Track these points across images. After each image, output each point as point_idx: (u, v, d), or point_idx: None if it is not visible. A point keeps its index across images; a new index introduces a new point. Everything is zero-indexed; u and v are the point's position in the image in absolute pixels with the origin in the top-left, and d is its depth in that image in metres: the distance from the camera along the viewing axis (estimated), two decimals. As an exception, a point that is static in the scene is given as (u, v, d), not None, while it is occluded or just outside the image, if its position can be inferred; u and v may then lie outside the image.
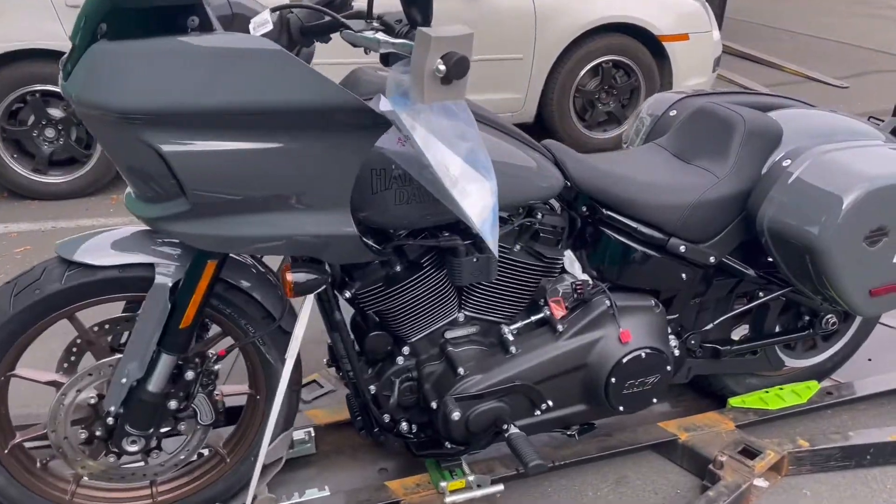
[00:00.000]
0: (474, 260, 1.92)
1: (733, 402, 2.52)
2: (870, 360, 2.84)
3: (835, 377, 2.75)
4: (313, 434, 2.35)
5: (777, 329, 2.47)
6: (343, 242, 1.68)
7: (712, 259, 2.19)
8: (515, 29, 4.69)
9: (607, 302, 2.11)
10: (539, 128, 5.08)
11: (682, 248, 2.15)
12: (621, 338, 2.08)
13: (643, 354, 2.09)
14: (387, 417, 2.07)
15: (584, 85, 5.02)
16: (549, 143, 2.13)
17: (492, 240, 1.58)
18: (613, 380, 2.09)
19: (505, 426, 2.00)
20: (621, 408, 2.14)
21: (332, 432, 2.43)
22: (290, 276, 1.72)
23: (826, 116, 2.38)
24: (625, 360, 2.08)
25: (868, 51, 8.22)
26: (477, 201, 1.58)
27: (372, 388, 2.03)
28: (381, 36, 1.55)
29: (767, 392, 2.56)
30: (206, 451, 2.09)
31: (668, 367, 2.14)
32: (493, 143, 1.86)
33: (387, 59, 1.58)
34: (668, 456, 2.41)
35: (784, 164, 2.11)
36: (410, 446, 2.12)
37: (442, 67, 1.40)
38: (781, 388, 2.57)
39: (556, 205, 2.14)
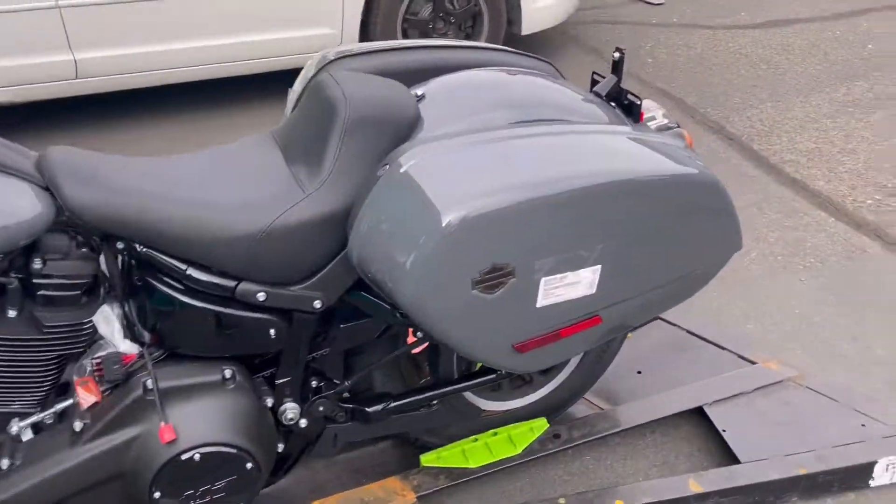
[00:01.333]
0: None
1: (425, 459, 1.92)
2: (639, 372, 2.23)
3: (593, 400, 2.15)
4: None
5: (460, 373, 1.84)
6: None
7: (318, 304, 1.55)
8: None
9: (148, 383, 1.48)
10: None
11: (262, 297, 1.50)
12: (161, 435, 1.45)
13: (198, 456, 1.47)
14: None
15: (414, 13, 4.20)
16: (54, 151, 1.44)
17: None
18: (158, 494, 1.48)
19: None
20: (188, 526, 1.54)
21: None
22: None
23: (513, 84, 1.68)
24: (169, 467, 1.46)
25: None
26: None
27: None
28: None
29: (476, 441, 1.96)
30: None
31: (249, 465, 1.53)
32: None
33: None
34: (326, 543, 1.84)
35: (379, 172, 1.44)
36: None
37: None
38: (496, 434, 1.97)
39: (95, 243, 1.49)
